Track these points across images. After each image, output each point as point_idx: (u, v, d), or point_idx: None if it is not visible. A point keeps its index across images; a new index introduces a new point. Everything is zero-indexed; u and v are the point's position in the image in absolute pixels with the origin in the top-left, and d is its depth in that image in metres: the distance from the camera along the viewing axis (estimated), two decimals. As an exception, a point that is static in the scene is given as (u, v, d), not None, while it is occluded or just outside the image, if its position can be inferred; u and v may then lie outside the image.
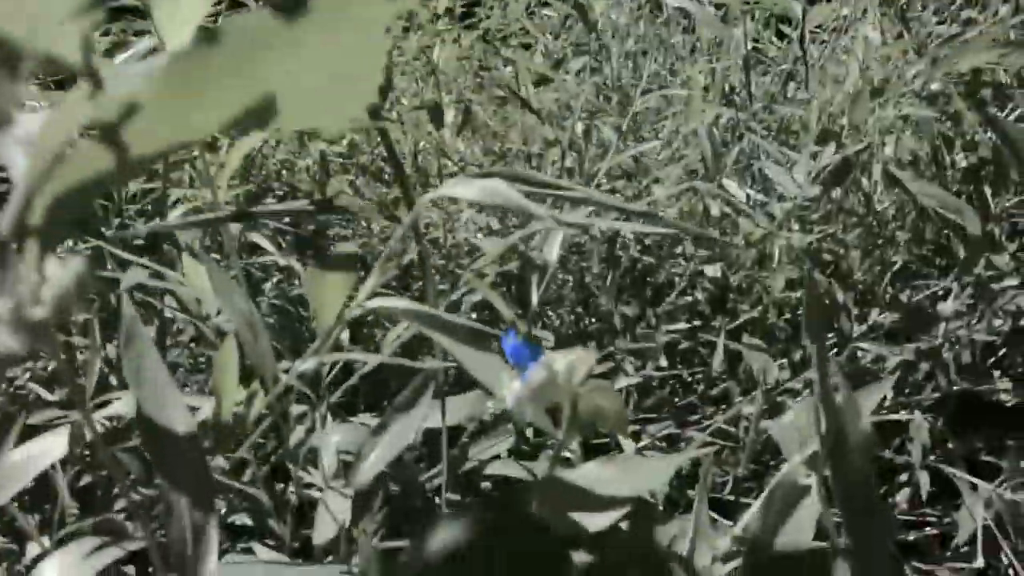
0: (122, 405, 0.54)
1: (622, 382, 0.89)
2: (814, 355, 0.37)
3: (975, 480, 0.87)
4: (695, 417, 1.06)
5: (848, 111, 0.98)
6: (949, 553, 0.94)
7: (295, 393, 0.69)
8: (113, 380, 0.72)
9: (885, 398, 1.10)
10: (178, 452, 0.31)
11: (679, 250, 1.32)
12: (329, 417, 0.61)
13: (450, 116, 1.39)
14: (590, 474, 0.37)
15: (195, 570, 0.33)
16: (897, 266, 1.13)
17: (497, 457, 0.78)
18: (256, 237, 0.79)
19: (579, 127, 1.23)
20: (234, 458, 0.78)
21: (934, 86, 1.16)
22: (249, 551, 0.91)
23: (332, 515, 0.52)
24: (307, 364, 0.40)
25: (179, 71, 0.15)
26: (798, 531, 0.43)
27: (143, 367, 0.32)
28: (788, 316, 1.25)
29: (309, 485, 0.63)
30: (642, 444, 0.87)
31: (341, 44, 0.17)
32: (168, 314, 0.73)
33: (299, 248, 0.99)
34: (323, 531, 0.54)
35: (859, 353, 1.02)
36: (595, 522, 0.34)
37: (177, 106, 0.16)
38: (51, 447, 0.49)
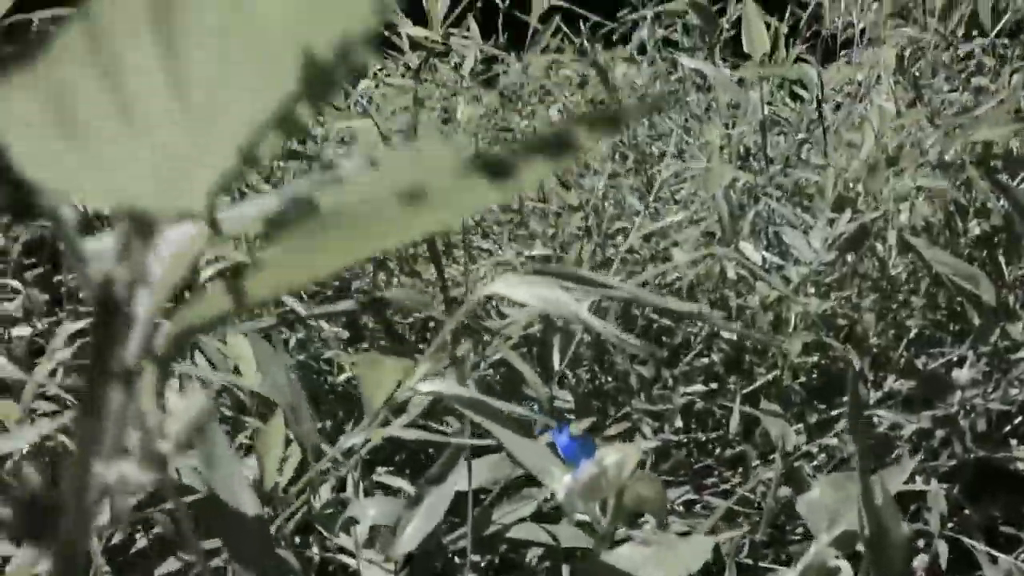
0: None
1: (641, 445, 0.90)
2: (856, 456, 0.38)
3: (994, 552, 0.87)
4: (712, 480, 1.07)
5: (865, 181, 1.00)
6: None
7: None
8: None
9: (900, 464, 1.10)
10: (247, 533, 0.32)
11: (696, 308, 1.33)
12: (356, 475, 0.62)
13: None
14: (631, 556, 0.38)
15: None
16: (912, 332, 1.14)
17: (521, 520, 0.79)
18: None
19: (599, 186, 1.25)
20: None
21: (947, 156, 1.18)
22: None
23: None
24: (354, 439, 0.41)
25: (301, 230, 0.16)
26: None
27: (215, 454, 0.33)
28: (803, 379, 1.26)
29: (339, 549, 0.64)
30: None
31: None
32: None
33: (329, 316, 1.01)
34: None
35: (876, 419, 1.02)
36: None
37: (297, 258, 0.17)
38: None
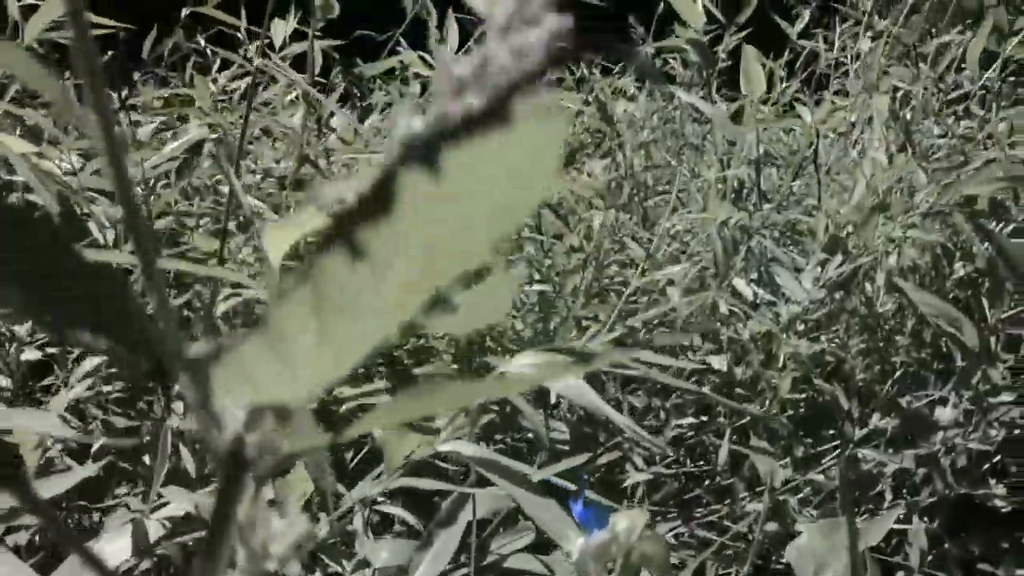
0: (181, 502, 0.58)
1: (633, 477, 0.93)
2: (845, 527, 0.42)
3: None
4: (700, 511, 1.10)
5: (858, 231, 1.04)
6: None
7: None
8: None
9: (883, 499, 1.14)
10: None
11: (686, 342, 1.37)
12: (365, 514, 0.65)
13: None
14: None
15: None
16: (898, 372, 1.18)
17: (519, 550, 0.82)
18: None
19: (596, 221, 1.28)
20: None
21: (935, 205, 1.22)
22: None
23: None
24: (371, 491, 0.44)
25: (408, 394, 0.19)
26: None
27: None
28: (791, 411, 1.30)
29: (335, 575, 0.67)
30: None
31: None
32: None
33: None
34: None
35: (861, 456, 1.06)
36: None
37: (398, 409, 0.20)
38: (113, 551, 0.53)
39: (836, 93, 1.75)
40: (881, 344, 1.30)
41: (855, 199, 1.09)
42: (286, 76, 0.87)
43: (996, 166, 1.09)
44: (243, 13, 1.08)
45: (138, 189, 0.89)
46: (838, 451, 1.06)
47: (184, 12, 1.04)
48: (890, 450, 1.06)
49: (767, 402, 1.21)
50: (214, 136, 0.93)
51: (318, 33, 1.02)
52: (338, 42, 1.12)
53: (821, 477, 1.00)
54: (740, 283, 1.30)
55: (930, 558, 1.09)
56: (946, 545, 1.14)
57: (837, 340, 1.21)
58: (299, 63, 1.18)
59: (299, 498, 0.48)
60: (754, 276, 1.36)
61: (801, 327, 1.23)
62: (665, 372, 1.27)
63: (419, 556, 0.56)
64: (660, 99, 1.85)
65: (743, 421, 1.12)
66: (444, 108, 0.15)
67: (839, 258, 1.10)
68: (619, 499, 1.08)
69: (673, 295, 1.07)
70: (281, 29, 0.86)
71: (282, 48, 0.94)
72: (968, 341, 1.10)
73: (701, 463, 1.25)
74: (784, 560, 1.09)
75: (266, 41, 0.83)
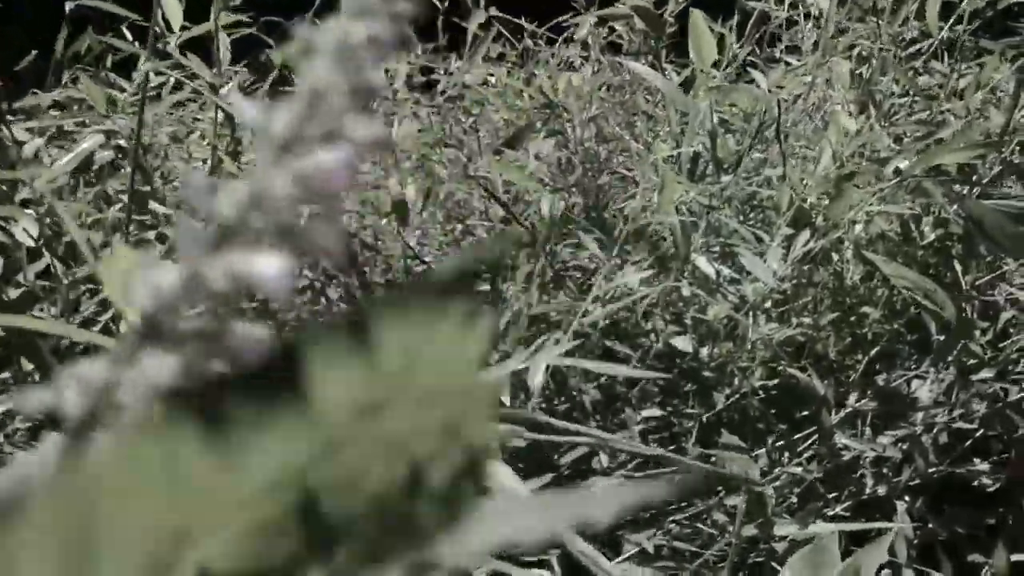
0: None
1: (598, 485, 0.86)
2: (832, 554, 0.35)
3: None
4: (673, 508, 1.03)
5: (827, 206, 0.97)
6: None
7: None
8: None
9: (864, 483, 1.08)
10: None
11: (648, 325, 1.30)
12: None
13: (411, 192, 1.36)
14: None
15: None
16: (872, 347, 1.12)
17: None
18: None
19: (544, 207, 1.20)
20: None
21: (903, 164, 1.16)
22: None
23: None
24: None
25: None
26: None
27: None
28: (763, 395, 1.23)
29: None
30: (624, 557, 0.83)
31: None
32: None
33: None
34: None
35: (839, 445, 1.00)
36: None
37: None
38: None
39: (788, 50, 1.68)
40: (852, 318, 1.24)
41: (821, 168, 1.02)
42: (192, 69, 0.77)
43: (967, 132, 1.03)
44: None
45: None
46: (814, 439, 0.99)
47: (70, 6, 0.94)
48: (867, 431, 1.00)
49: (737, 382, 1.15)
50: (116, 143, 0.83)
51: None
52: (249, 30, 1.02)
53: (799, 469, 0.93)
54: (702, 261, 1.23)
55: (915, 542, 1.03)
56: (930, 526, 1.08)
57: (807, 316, 1.15)
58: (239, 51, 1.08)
59: None
60: (716, 251, 1.29)
61: (768, 304, 1.16)
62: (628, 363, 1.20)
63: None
64: (608, 70, 1.77)
65: (714, 411, 1.06)
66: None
67: (806, 233, 1.03)
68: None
69: (632, 281, 1.00)
70: (176, 11, 0.75)
71: (186, 35, 0.84)
72: (945, 313, 1.03)
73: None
74: (762, 556, 1.03)
75: (160, 31, 0.74)
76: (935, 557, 1.00)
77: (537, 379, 0.73)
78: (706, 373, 1.21)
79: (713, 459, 0.86)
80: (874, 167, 1.04)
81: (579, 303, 0.93)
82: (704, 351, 1.21)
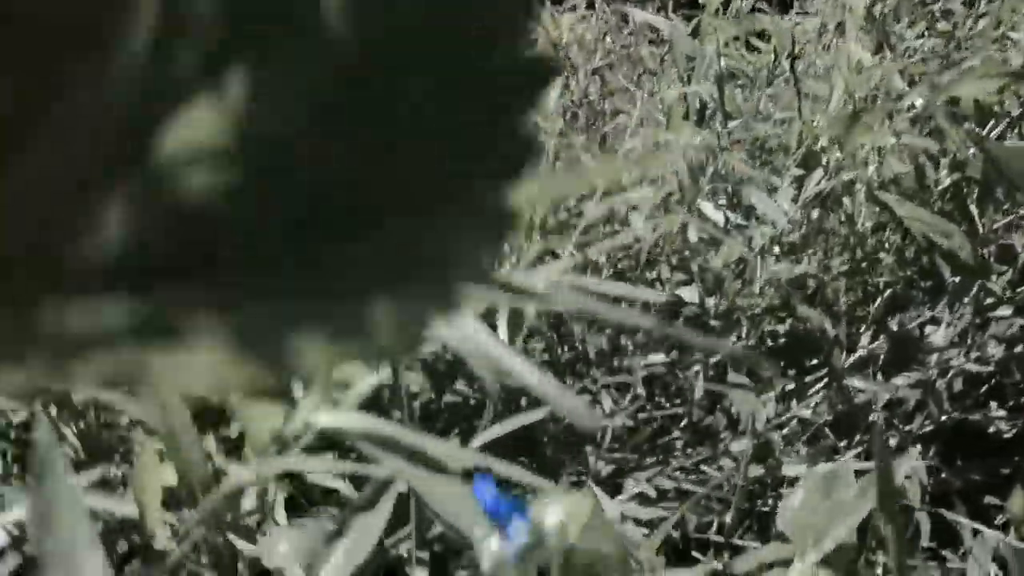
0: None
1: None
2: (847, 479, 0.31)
3: (979, 526, 0.82)
4: (678, 455, 1.00)
5: (841, 138, 0.93)
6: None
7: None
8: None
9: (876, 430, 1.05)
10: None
11: (653, 274, 1.26)
12: (280, 508, 0.54)
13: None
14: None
15: None
16: (885, 293, 1.08)
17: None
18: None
19: (550, 144, 1.17)
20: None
21: (918, 102, 1.11)
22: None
23: None
24: (243, 476, 0.33)
25: None
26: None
27: (54, 512, 0.25)
28: (771, 343, 1.20)
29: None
30: (625, 496, 0.81)
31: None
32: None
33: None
34: None
35: (851, 389, 0.96)
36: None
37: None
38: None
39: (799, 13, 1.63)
40: (864, 264, 1.20)
41: (833, 104, 0.98)
42: None
43: (986, 64, 0.98)
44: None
45: None
46: (825, 382, 0.96)
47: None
48: (879, 376, 0.96)
49: (745, 333, 1.11)
50: None
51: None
52: None
53: (808, 412, 0.90)
54: (708, 207, 1.19)
55: (929, 490, 1.00)
56: (943, 475, 1.05)
57: (817, 262, 1.11)
58: None
59: (155, 486, 0.37)
60: (723, 201, 1.25)
61: (777, 250, 1.13)
62: (632, 308, 1.17)
63: (327, 551, 0.45)
64: (612, 18, 1.73)
65: (720, 357, 1.02)
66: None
67: (818, 173, 0.99)
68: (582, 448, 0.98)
69: (636, 221, 0.96)
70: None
71: None
72: (962, 254, 1.00)
73: (677, 402, 1.15)
74: (771, 502, 1.00)
75: None
76: (949, 504, 0.97)
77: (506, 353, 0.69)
78: (712, 322, 1.18)
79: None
80: (889, 103, 0.99)
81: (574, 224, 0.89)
82: (711, 301, 1.18)
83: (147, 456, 0.36)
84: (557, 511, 0.26)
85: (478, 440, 0.42)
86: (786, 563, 0.71)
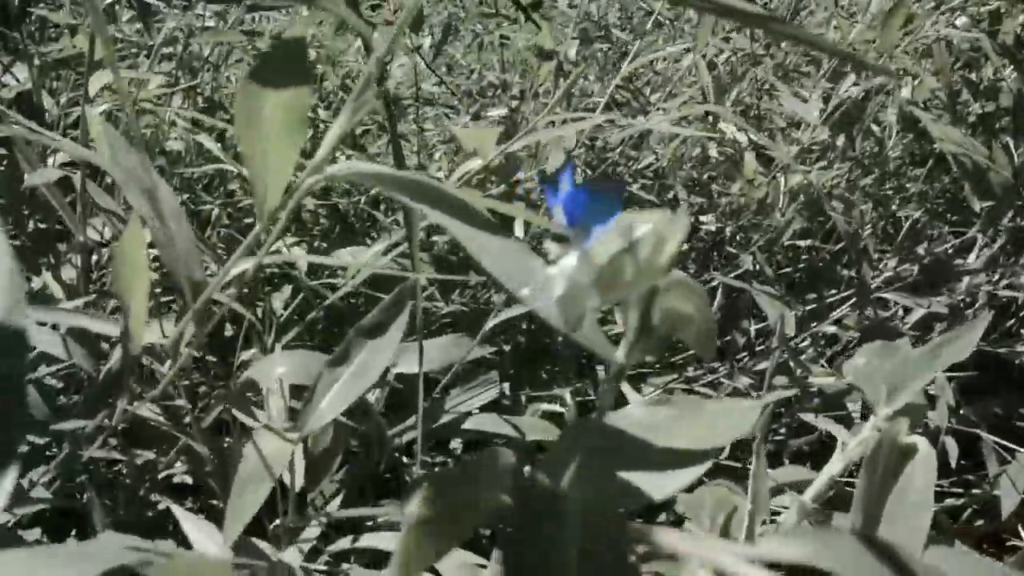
0: None
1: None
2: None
3: (1011, 445, 0.78)
4: (694, 370, 0.96)
5: (880, 35, 0.87)
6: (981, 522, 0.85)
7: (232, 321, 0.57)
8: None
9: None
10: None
11: (671, 195, 1.21)
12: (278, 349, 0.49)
13: (427, 40, 1.27)
14: (645, 420, 0.26)
15: None
16: (911, 219, 1.03)
17: (473, 411, 0.67)
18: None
19: (571, 51, 1.11)
20: (170, 405, 0.66)
21: (960, 22, 1.06)
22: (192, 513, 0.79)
23: (267, 468, 0.39)
24: (245, 264, 0.28)
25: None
26: (906, 502, 0.32)
27: None
28: (790, 269, 1.15)
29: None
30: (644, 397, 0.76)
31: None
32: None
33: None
34: (245, 503, 0.40)
35: (883, 303, 0.92)
36: (663, 485, 0.23)
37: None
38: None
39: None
40: (891, 192, 1.15)
41: (874, 4, 0.92)
42: None
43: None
44: None
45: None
46: (852, 301, 0.91)
47: None
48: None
49: (768, 253, 1.06)
50: None
51: None
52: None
53: (833, 328, 0.85)
54: (729, 128, 1.14)
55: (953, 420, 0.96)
56: (962, 411, 1.01)
57: (847, 183, 1.06)
58: None
59: (141, 290, 0.32)
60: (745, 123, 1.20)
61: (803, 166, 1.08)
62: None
63: (330, 374, 0.40)
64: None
65: (739, 271, 0.97)
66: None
67: (850, 78, 0.94)
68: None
69: (658, 122, 0.91)
70: None
71: None
72: (1002, 173, 0.95)
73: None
74: (784, 430, 0.96)
75: None
76: (974, 425, 0.93)
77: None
78: (729, 248, 1.13)
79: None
80: (930, 11, 0.94)
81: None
82: (728, 229, 1.13)
83: (131, 237, 0.31)
84: (648, 220, 0.21)
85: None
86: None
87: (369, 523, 0.61)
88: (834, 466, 0.36)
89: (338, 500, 0.61)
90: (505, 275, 0.23)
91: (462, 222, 0.24)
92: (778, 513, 0.44)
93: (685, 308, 0.22)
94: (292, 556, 0.45)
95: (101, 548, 0.24)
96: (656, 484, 0.23)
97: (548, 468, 0.24)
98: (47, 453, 0.57)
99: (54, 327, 0.61)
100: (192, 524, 0.42)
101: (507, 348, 0.86)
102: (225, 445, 0.61)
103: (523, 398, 0.86)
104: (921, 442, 0.34)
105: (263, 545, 0.43)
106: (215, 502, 0.76)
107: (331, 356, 0.41)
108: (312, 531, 0.49)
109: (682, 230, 0.21)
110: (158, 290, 0.69)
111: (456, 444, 0.88)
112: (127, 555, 0.23)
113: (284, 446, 0.39)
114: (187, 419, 0.75)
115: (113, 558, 0.22)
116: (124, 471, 0.73)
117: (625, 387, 0.65)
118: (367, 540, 0.49)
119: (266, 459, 0.39)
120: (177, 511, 0.44)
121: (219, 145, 0.74)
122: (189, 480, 0.81)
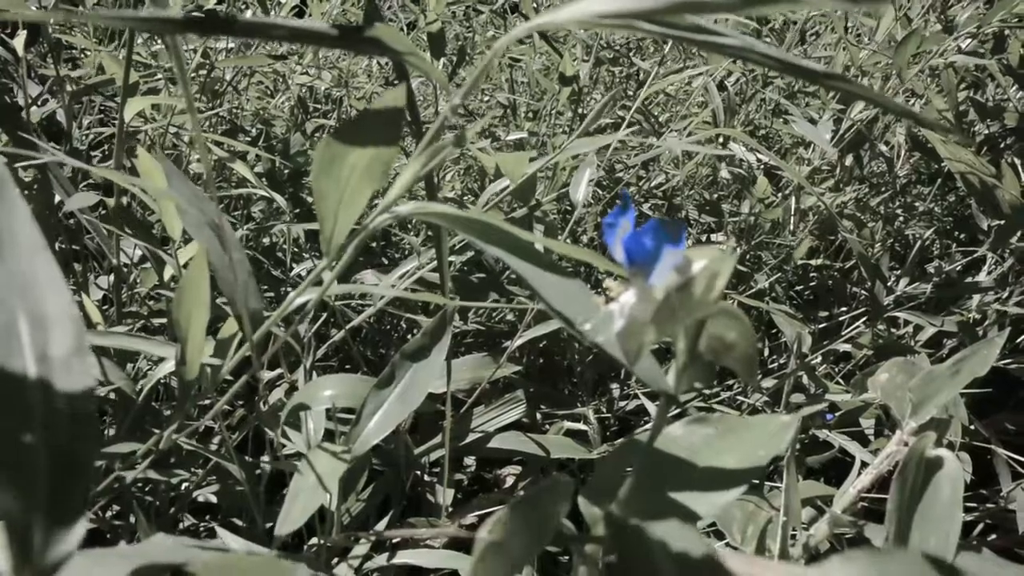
0: None
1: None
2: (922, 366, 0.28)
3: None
4: (708, 392, 0.97)
5: (895, 57, 0.89)
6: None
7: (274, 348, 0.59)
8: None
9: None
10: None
11: (681, 215, 1.23)
12: (309, 356, 0.50)
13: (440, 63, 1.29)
14: (687, 438, 0.28)
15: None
16: (920, 238, 1.05)
17: (501, 429, 0.69)
18: (237, 165, 0.68)
19: (583, 74, 1.13)
20: (198, 424, 0.68)
21: (965, 44, 1.08)
22: (212, 533, 0.81)
23: (322, 483, 0.41)
24: (310, 295, 0.29)
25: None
26: (935, 513, 0.34)
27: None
28: (801, 287, 1.17)
29: (291, 456, 0.53)
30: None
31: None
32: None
33: (272, 182, 0.87)
34: (294, 513, 0.42)
35: (896, 323, 0.93)
36: (711, 503, 0.24)
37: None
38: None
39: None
40: (900, 210, 1.17)
41: (880, 34, 0.94)
42: None
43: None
44: None
45: None
46: (863, 319, 0.93)
47: None
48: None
49: (782, 272, 1.08)
50: None
51: None
52: None
53: (847, 346, 0.87)
54: (739, 148, 1.16)
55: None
56: (973, 427, 1.02)
57: (854, 201, 1.08)
58: None
59: (199, 320, 0.33)
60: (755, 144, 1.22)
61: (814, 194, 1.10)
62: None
63: (377, 396, 0.42)
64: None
65: (754, 290, 0.99)
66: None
67: (860, 104, 0.95)
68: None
69: (671, 143, 0.93)
70: None
71: None
72: (1011, 192, 0.96)
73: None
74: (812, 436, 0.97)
75: None
76: (985, 450, 0.94)
77: (579, 193, 0.66)
78: (739, 267, 1.14)
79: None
80: (939, 35, 0.96)
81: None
82: (739, 249, 1.15)
83: (196, 271, 0.32)
84: (703, 259, 0.22)
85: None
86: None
87: (395, 540, 0.62)
88: (862, 480, 0.37)
89: (378, 518, 0.63)
90: (568, 311, 0.24)
91: (521, 259, 0.25)
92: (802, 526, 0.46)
93: (729, 335, 0.24)
94: (344, 572, 0.47)
95: (154, 547, 0.25)
96: (704, 502, 0.25)
97: (599, 491, 0.26)
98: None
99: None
100: (232, 539, 0.44)
101: (523, 367, 0.87)
102: (254, 463, 0.62)
103: (538, 416, 0.87)
104: (947, 455, 0.35)
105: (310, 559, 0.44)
106: (237, 520, 0.77)
107: (377, 379, 0.43)
108: (361, 548, 0.50)
109: (731, 265, 0.23)
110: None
111: (470, 461, 0.89)
112: (181, 552, 0.24)
113: (337, 464, 0.41)
114: (216, 439, 0.76)
115: (167, 555, 0.23)
116: (152, 491, 0.74)
117: (649, 405, 0.66)
118: (404, 556, 0.51)
119: (321, 476, 0.40)
120: (219, 530, 0.45)
121: (251, 170, 0.75)
122: (213, 499, 0.82)
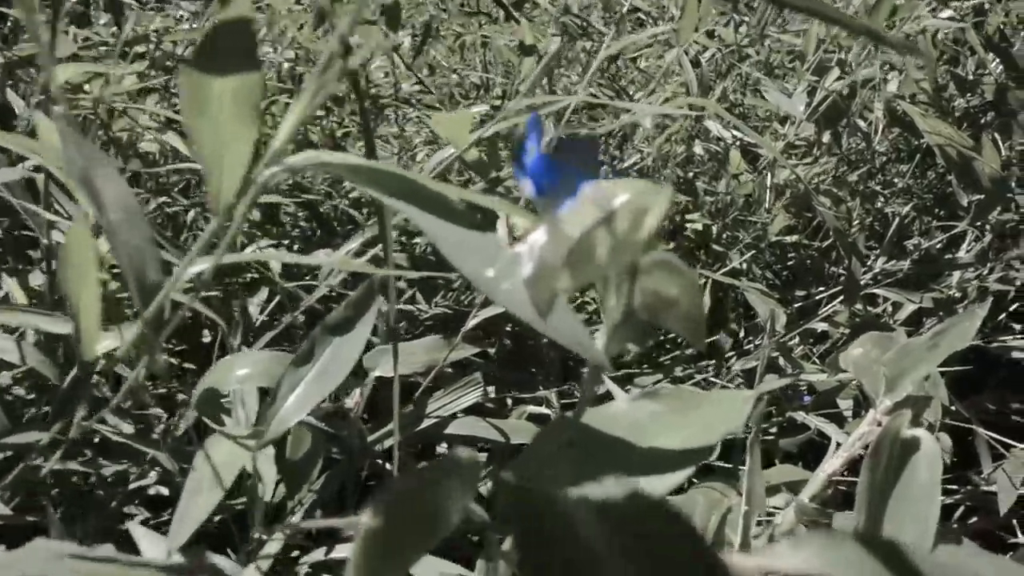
0: None
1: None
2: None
3: (1009, 441, 0.76)
4: (684, 369, 0.94)
5: (870, 16, 0.85)
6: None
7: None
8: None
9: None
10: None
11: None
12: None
13: (407, 40, 1.25)
14: (631, 416, 0.24)
15: None
16: (898, 214, 1.02)
17: (463, 412, 0.65)
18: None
19: (552, 47, 1.09)
20: (104, 410, 0.64)
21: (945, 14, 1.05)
22: (161, 527, 0.77)
23: (217, 477, 0.37)
24: (202, 264, 0.26)
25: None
26: (912, 496, 0.30)
27: None
28: (779, 267, 1.14)
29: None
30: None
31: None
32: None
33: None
34: (193, 511, 0.37)
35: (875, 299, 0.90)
36: (651, 489, 0.21)
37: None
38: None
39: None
40: (878, 187, 1.14)
41: (857, 1, 0.91)
42: None
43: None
44: None
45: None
46: (840, 298, 0.90)
47: None
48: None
49: (757, 250, 1.05)
50: None
51: None
52: None
53: (824, 325, 0.84)
54: (714, 125, 1.13)
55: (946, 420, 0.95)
56: (953, 408, 1.00)
57: (834, 179, 1.05)
58: None
59: (91, 287, 0.29)
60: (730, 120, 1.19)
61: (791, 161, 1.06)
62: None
63: (294, 375, 0.38)
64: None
65: (728, 268, 0.96)
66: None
67: (835, 72, 0.92)
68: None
69: (645, 121, 0.89)
70: None
71: None
72: (990, 165, 0.93)
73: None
74: (774, 426, 0.94)
75: None
76: (966, 430, 0.91)
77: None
78: (715, 247, 1.11)
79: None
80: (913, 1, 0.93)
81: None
82: (715, 228, 1.12)
83: (76, 235, 0.29)
84: (627, 190, 0.19)
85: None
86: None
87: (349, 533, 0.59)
88: (832, 463, 0.34)
89: (301, 512, 0.59)
90: (465, 257, 0.20)
91: (437, 216, 0.21)
92: (772, 514, 0.42)
93: (669, 290, 0.20)
94: (251, 574, 0.43)
95: (28, 554, 0.22)
96: (643, 487, 0.21)
97: (523, 471, 0.22)
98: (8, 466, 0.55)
99: (18, 333, 0.59)
100: (145, 536, 0.40)
101: (492, 350, 0.84)
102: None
103: (508, 401, 0.84)
104: (924, 435, 0.32)
105: (222, 561, 0.40)
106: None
107: (294, 355, 0.39)
108: (273, 546, 0.46)
109: (664, 201, 0.19)
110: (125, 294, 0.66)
111: (443, 449, 0.86)
112: (53, 563, 0.21)
113: (239, 453, 0.37)
114: (159, 428, 0.72)
115: (35, 566, 0.20)
116: (101, 484, 0.70)
117: (611, 386, 0.63)
118: (341, 551, 0.47)
119: (216, 467, 0.36)
120: (132, 524, 0.42)
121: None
122: (166, 492, 0.78)
